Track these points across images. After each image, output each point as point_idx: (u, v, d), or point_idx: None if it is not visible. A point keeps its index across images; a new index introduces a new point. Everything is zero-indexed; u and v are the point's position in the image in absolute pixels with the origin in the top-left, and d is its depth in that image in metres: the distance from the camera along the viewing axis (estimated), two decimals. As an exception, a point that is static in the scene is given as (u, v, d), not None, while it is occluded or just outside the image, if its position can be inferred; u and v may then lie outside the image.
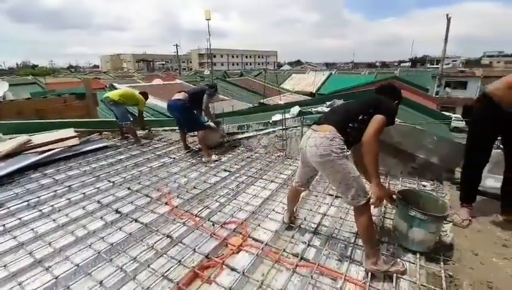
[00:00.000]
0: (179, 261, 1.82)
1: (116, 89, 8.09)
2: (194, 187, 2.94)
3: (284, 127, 3.89)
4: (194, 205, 2.58)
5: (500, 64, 43.73)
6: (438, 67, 24.87)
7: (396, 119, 3.48)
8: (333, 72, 23.38)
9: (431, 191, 2.76)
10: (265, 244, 1.98)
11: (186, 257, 1.86)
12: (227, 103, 10.98)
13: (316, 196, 2.77)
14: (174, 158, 3.87)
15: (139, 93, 4.95)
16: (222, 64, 55.66)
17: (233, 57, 60.91)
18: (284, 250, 1.93)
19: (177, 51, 39.38)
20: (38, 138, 3.96)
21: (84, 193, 2.81)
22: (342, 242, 2.04)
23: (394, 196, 1.94)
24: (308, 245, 1.99)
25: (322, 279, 1.70)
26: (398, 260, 1.79)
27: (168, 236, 2.09)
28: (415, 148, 3.09)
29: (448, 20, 17.95)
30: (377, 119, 1.65)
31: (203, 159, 3.73)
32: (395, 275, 1.68)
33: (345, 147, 1.67)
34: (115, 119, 4.77)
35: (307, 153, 1.75)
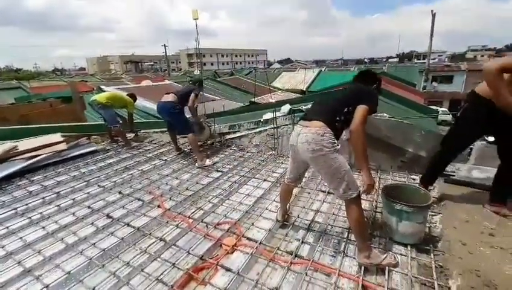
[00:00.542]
0: (173, 264, 1.80)
1: (103, 91, 7.93)
2: (187, 189, 2.92)
3: (275, 126, 3.90)
4: (187, 207, 2.56)
5: (484, 58, 45.02)
6: (424, 62, 25.36)
7: (385, 114, 3.57)
8: (323, 69, 23.53)
9: (420, 183, 2.82)
10: (260, 243, 1.99)
11: (181, 260, 1.85)
12: (218, 102, 10.90)
13: (309, 193, 2.79)
14: (165, 160, 3.83)
15: (127, 95, 4.88)
16: (212, 64, 55.26)
17: (222, 56, 60.54)
18: (278, 248, 1.94)
19: (166, 51, 38.89)
20: (24, 144, 3.85)
21: (73, 199, 2.75)
22: (335, 238, 2.07)
23: (374, 190, 1.98)
24: (302, 242, 2.01)
25: (316, 275, 1.72)
26: (390, 253, 1.83)
27: (161, 239, 2.08)
28: (404, 142, 3.15)
29: (433, 15, 18.33)
30: (361, 109, 1.70)
31: (196, 165, 3.58)
32: (387, 268, 1.71)
33: (335, 141, 1.71)
34: (103, 122, 4.69)
35: (298, 149, 1.77)
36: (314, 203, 2.59)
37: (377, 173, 3.15)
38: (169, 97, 3.72)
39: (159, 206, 2.58)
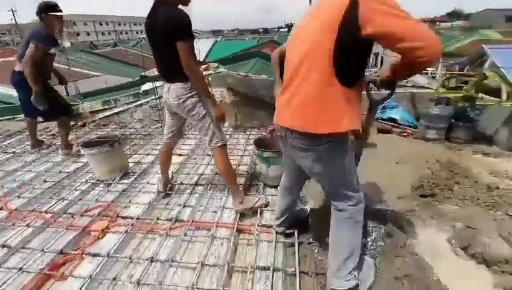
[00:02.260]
0: (20, 269, 1.48)
1: None
2: (45, 181, 2.40)
3: (157, 96, 3.59)
4: (43, 202, 2.11)
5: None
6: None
7: (264, 75, 3.79)
8: (219, 39, 23.13)
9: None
10: (137, 218, 1.86)
11: (31, 262, 1.53)
12: (98, 79, 9.30)
13: (195, 159, 2.76)
14: (13, 152, 3.01)
15: None
16: (88, 34, 45.46)
17: (101, 24, 50.56)
18: (158, 218, 1.87)
19: (15, 18, 29.54)
20: None
21: None
22: (217, 196, 2.14)
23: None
24: (184, 206, 2.00)
25: (197, 233, 1.75)
26: (263, 196, 2.03)
27: (3, 246, 1.66)
28: (279, 99, 3.47)
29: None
30: (182, 48, 1.53)
31: (60, 152, 2.95)
32: (259, 209, 1.91)
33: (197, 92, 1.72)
34: None
35: (171, 105, 1.78)
36: (200, 167, 2.59)
37: (259, 130, 3.40)
38: (16, 66, 2.65)
39: (1, 208, 2.03)
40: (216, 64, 4.89)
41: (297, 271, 1.42)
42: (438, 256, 1.39)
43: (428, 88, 3.81)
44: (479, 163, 2.39)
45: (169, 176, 2.25)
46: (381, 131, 3.25)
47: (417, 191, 1.99)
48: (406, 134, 3.18)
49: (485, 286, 1.25)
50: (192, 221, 1.82)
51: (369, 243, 1.50)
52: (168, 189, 2.19)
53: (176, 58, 1.56)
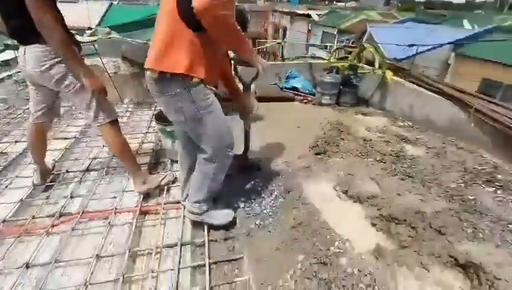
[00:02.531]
0: None
1: None
2: None
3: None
4: None
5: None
6: None
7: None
8: (115, 3, 19.75)
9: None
10: (3, 221, 1.48)
11: None
12: None
13: (86, 141, 2.36)
14: None
15: None
16: None
17: None
18: (34, 217, 1.53)
19: None
20: None
21: None
22: (115, 179, 1.90)
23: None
24: (72, 197, 1.69)
25: (90, 224, 1.53)
26: (170, 172, 1.91)
27: None
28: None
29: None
30: None
31: None
32: (166, 186, 1.79)
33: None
34: None
35: (32, 74, 1.40)
36: (93, 150, 2.23)
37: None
38: None
39: None
40: (107, 30, 4.18)
41: (206, 240, 1.42)
42: (326, 201, 1.62)
43: (323, 59, 4.24)
44: (359, 121, 2.85)
45: (49, 165, 1.86)
46: (285, 99, 3.47)
47: (313, 150, 2.23)
48: (306, 101, 3.50)
49: (359, 219, 1.54)
50: (83, 212, 1.57)
51: (272, 202, 1.62)
52: (48, 180, 1.81)
53: (27, 10, 1.20)
